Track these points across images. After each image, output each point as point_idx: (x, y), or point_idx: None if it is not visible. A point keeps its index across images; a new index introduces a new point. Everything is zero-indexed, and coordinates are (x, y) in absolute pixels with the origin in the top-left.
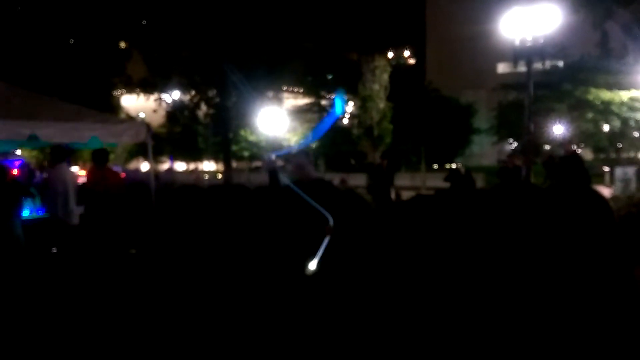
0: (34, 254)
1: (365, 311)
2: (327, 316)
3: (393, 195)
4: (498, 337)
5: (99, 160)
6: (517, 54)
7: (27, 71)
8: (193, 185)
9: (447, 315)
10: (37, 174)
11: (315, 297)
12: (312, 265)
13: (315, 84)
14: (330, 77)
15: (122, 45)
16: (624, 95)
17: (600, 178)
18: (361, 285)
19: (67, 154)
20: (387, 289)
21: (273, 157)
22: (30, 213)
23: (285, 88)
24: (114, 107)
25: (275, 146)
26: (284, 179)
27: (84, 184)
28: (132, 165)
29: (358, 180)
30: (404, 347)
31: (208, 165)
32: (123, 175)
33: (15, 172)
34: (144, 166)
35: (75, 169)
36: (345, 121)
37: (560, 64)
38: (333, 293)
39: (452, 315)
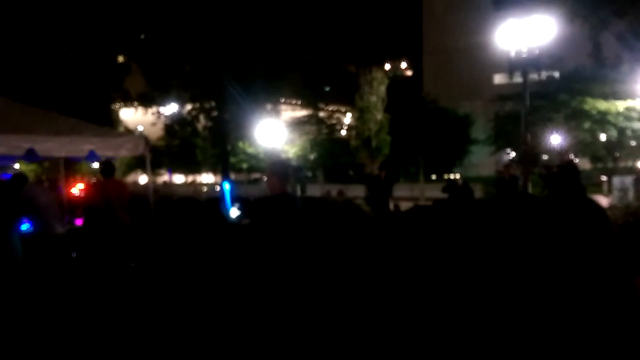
0: (33, 266)
1: (365, 319)
2: (328, 324)
3: (391, 206)
4: (496, 345)
5: (105, 172)
6: (513, 65)
7: (25, 85)
8: (191, 197)
9: (446, 324)
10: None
11: (316, 305)
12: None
13: (313, 96)
14: (328, 89)
15: (121, 59)
16: (620, 104)
17: (598, 187)
18: (361, 294)
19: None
20: (386, 298)
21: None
22: (28, 227)
23: (283, 100)
24: (113, 120)
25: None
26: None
27: (83, 198)
28: (130, 178)
29: (357, 192)
30: (403, 351)
31: (206, 178)
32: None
33: None
34: (143, 179)
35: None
36: (344, 132)
37: (556, 74)
38: (334, 302)
39: (451, 325)
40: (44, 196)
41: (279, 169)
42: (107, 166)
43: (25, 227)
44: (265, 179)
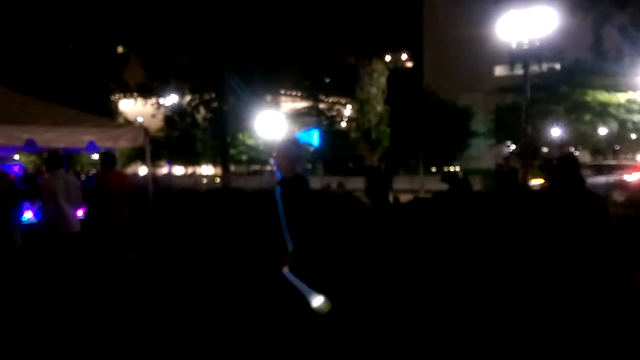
0: (32, 259)
1: (364, 312)
2: (327, 317)
3: (391, 199)
4: (496, 338)
5: (105, 163)
6: (514, 57)
7: (24, 76)
8: (191, 189)
9: (446, 316)
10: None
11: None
12: (317, 302)
13: (313, 88)
14: (328, 80)
15: (120, 50)
16: (621, 97)
17: None
18: (360, 286)
19: (62, 160)
20: (386, 290)
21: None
22: (29, 218)
23: (283, 92)
24: (112, 111)
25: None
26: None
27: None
28: (130, 169)
29: (356, 184)
30: (403, 346)
31: (206, 169)
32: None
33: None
34: (142, 170)
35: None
36: (343, 124)
37: (557, 66)
38: (332, 294)
39: (451, 316)
40: (61, 188)
41: (290, 149)
42: (108, 157)
43: (25, 218)
44: (275, 160)
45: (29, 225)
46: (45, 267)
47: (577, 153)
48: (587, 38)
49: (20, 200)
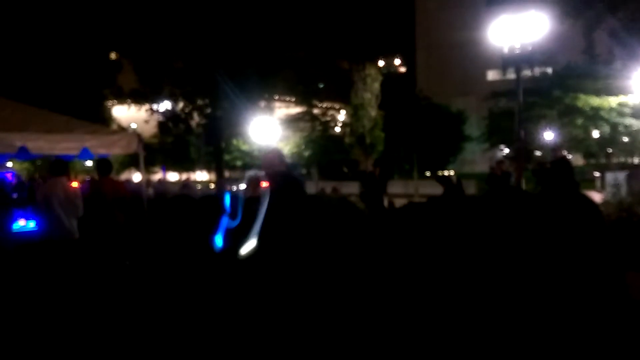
0: (25, 266)
1: (360, 317)
2: (325, 323)
3: (386, 203)
4: (491, 343)
5: (101, 170)
6: (506, 61)
7: (17, 83)
8: (185, 195)
9: (442, 322)
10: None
11: (312, 304)
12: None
13: (307, 93)
14: (321, 85)
15: (113, 56)
16: (613, 100)
17: (591, 183)
18: (356, 291)
19: (66, 167)
20: (381, 296)
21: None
22: (22, 227)
23: (277, 97)
24: (105, 118)
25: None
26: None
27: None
28: (124, 176)
29: (351, 189)
30: (398, 351)
31: (201, 175)
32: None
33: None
34: (136, 177)
35: None
36: (338, 129)
37: (549, 70)
38: (329, 300)
39: (447, 323)
40: (59, 195)
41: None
42: (104, 164)
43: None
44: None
45: (23, 234)
46: (39, 275)
47: (569, 156)
48: (579, 42)
49: (12, 207)
